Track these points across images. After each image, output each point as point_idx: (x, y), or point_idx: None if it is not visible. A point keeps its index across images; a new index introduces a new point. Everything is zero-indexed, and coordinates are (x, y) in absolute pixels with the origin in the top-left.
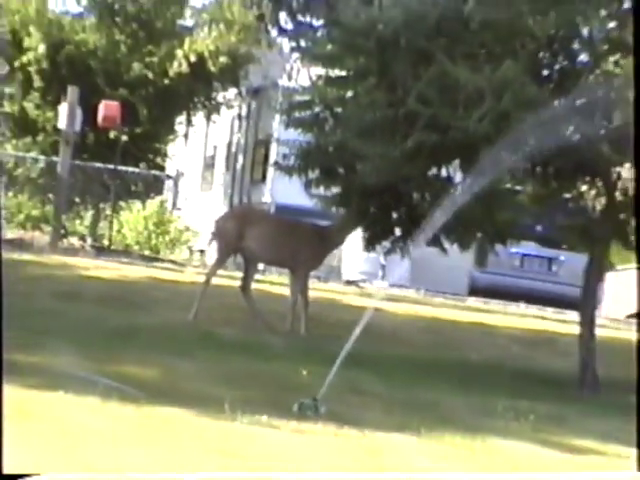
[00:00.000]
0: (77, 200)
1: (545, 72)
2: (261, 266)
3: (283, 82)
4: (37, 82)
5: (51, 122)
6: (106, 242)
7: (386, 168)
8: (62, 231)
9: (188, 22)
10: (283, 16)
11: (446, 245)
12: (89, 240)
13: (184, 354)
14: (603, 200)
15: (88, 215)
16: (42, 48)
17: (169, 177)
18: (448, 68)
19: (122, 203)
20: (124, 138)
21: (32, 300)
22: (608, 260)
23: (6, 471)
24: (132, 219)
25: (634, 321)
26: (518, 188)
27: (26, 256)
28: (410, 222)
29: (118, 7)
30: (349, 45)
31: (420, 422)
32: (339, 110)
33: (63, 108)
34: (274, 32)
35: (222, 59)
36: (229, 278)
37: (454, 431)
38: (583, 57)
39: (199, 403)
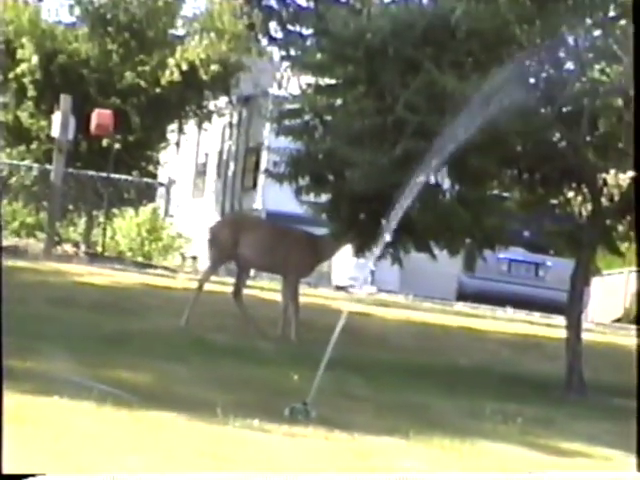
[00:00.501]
0: (71, 207)
1: (532, 80)
2: (252, 272)
3: (273, 90)
4: (31, 91)
5: (45, 131)
6: (99, 249)
7: (375, 175)
8: (56, 238)
9: (179, 31)
10: (273, 25)
11: (435, 251)
12: (83, 247)
13: (177, 359)
14: (589, 206)
15: (81, 222)
16: (35, 59)
17: (161, 184)
18: (436, 76)
19: (115, 210)
20: (117, 146)
21: (27, 306)
22: (594, 265)
23: (6, 471)
24: (125, 226)
25: (619, 325)
26: (506, 194)
27: (20, 263)
28: (400, 229)
29: (110, 17)
30: (338, 54)
31: (409, 425)
32: (328, 118)
33: (56, 117)
34: (264, 41)
35: (213, 68)
36: (221, 284)
37: (443, 434)
38: (569, 65)
39: (192, 407)
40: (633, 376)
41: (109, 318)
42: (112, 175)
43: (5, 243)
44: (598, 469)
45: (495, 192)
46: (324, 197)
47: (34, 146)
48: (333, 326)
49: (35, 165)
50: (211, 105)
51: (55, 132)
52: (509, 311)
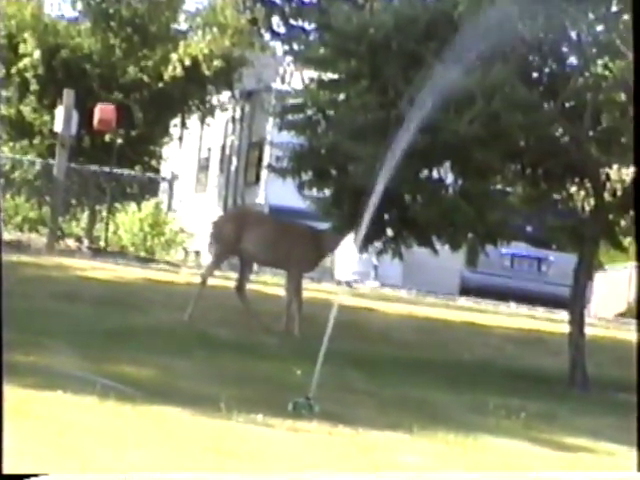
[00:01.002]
0: (73, 202)
1: (535, 75)
2: (255, 266)
3: (276, 85)
4: (33, 86)
5: (47, 125)
6: (102, 243)
7: (378, 170)
8: (59, 233)
9: (182, 26)
10: (276, 20)
11: (437, 246)
12: (85, 242)
13: (180, 354)
14: (592, 201)
15: (84, 217)
16: (37, 54)
17: (164, 179)
18: (439, 71)
19: (118, 205)
20: (119, 141)
21: (29, 301)
22: (597, 260)
23: (6, 471)
24: (128, 221)
25: (623, 320)
26: (508, 189)
27: (23, 258)
28: (402, 223)
29: (113, 11)
30: (341, 49)
31: (413, 420)
32: (331, 113)
33: (59, 111)
34: (267, 36)
35: (216, 62)
36: (224, 279)
37: (447, 429)
38: (572, 60)
39: (195, 402)
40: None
41: (112, 313)
42: (115, 170)
43: (8, 238)
44: (601, 464)
45: (498, 187)
46: (327, 192)
47: (37, 141)
48: (337, 321)
49: (38, 160)
50: (214, 100)
51: (58, 127)
52: (512, 306)
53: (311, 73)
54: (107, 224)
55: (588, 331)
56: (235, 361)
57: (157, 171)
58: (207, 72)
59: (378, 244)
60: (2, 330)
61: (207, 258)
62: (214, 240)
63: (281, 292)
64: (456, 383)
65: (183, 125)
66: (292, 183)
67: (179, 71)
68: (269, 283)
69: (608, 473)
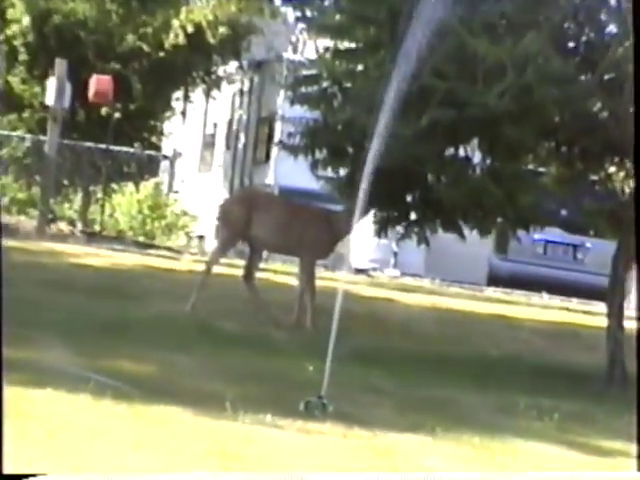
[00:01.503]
0: (66, 182)
1: (571, 44)
2: (264, 253)
3: (288, 55)
4: (23, 55)
5: (38, 98)
6: (97, 227)
7: (399, 147)
8: (50, 216)
9: None
10: None
11: (464, 231)
12: (79, 225)
13: (182, 348)
14: (632, 182)
15: (78, 198)
16: (27, 20)
17: (165, 157)
18: (466, 40)
19: (114, 185)
20: (117, 115)
21: (18, 290)
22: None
23: (6, 471)
24: (125, 203)
25: None
26: (542, 169)
27: (11, 242)
28: (425, 206)
29: None
30: (359, 15)
31: (436, 421)
32: (348, 85)
33: (51, 83)
34: (278, 0)
35: (222, 30)
36: (230, 266)
37: (472, 431)
38: (611, 28)
39: (198, 401)
40: None
41: (108, 303)
42: (111, 147)
43: None
44: None
45: (530, 167)
46: (342, 171)
47: (26, 115)
48: (352, 313)
49: (27, 135)
50: (220, 71)
51: (49, 99)
52: (544, 297)
53: (326, 42)
54: (102, 206)
55: (628, 325)
56: (242, 356)
57: (157, 148)
58: (212, 40)
59: (399, 228)
60: (2, 330)
61: (212, 244)
62: (220, 224)
63: (292, 281)
64: (483, 381)
65: (186, 98)
66: (304, 162)
67: (181, 39)
68: (279, 271)
69: (608, 473)
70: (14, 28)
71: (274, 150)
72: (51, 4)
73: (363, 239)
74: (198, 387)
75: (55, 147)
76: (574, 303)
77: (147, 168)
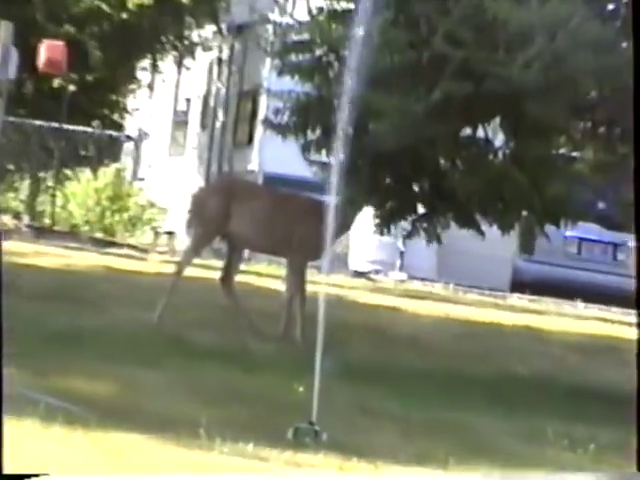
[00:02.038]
0: (11, 167)
1: (610, 6)
2: (246, 253)
3: (275, 17)
4: None
5: None
6: (47, 221)
7: (406, 127)
8: None
9: None
10: None
11: (483, 227)
12: (25, 219)
13: (147, 364)
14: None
15: (24, 187)
16: None
17: (129, 138)
18: (485, 1)
19: (68, 172)
20: (71, 88)
21: None
22: None
23: (6, 471)
24: (80, 192)
25: None
26: (575, 154)
27: None
28: (437, 196)
29: None
30: None
31: (448, 450)
32: (346, 53)
33: None
34: None
35: None
36: (205, 268)
37: (492, 462)
38: None
39: (166, 426)
40: None
41: (60, 311)
42: (65, 126)
43: None
44: None
45: (561, 151)
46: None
47: None
48: (351, 323)
49: None
50: (194, 36)
51: None
52: (579, 305)
53: (319, 1)
54: (54, 196)
55: None
56: (219, 374)
57: (120, 128)
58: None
59: (406, 224)
60: (2, 331)
61: (184, 241)
62: (194, 218)
63: (279, 286)
64: (506, 404)
65: (154, 68)
66: (295, 144)
67: None
68: (263, 274)
69: (608, 473)
70: None
71: (258, 130)
72: None
73: (363, 236)
74: (166, 410)
75: None
76: (613, 312)
77: (107, 151)
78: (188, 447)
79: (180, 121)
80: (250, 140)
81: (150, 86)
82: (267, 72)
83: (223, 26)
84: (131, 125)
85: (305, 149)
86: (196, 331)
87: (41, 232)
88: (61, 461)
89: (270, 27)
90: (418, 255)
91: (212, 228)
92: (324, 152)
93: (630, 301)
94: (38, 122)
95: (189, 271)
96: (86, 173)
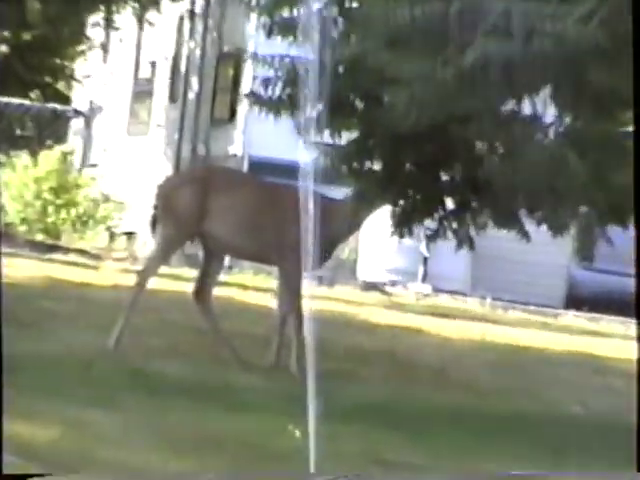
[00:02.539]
0: None
1: None
2: (227, 259)
3: None
4: None
5: None
6: None
7: (431, 98)
8: None
9: None
10: None
11: (529, 226)
12: None
13: (100, 402)
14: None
15: None
16: None
17: (77, 113)
18: None
19: (0, 156)
20: (3, 49)
21: None
22: None
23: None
24: (16, 182)
25: None
26: None
27: None
28: (470, 188)
29: None
30: None
31: None
32: (354, 5)
33: None
34: None
35: None
36: (174, 278)
37: None
38: None
39: None
40: None
41: None
42: None
43: None
44: None
45: (630, 129)
46: (347, 135)
47: None
48: (360, 349)
49: None
50: None
51: None
52: None
53: None
54: None
55: None
56: (192, 415)
57: (66, 100)
58: None
59: (431, 222)
60: (2, 330)
61: (147, 245)
62: (161, 216)
63: (270, 301)
64: (559, 454)
65: (109, 24)
66: (287, 121)
67: None
68: (249, 286)
69: (608, 473)
70: None
71: (242, 104)
72: None
73: (377, 239)
74: (124, 460)
75: None
76: None
77: (50, 130)
78: None
79: (143, 91)
80: (232, 116)
81: (104, 47)
82: (253, 30)
83: None
84: (80, 97)
85: (302, 129)
86: (163, 360)
87: None
88: None
89: None
90: (446, 262)
91: (184, 228)
92: (327, 133)
93: None
94: None
95: (154, 283)
96: (23, 158)
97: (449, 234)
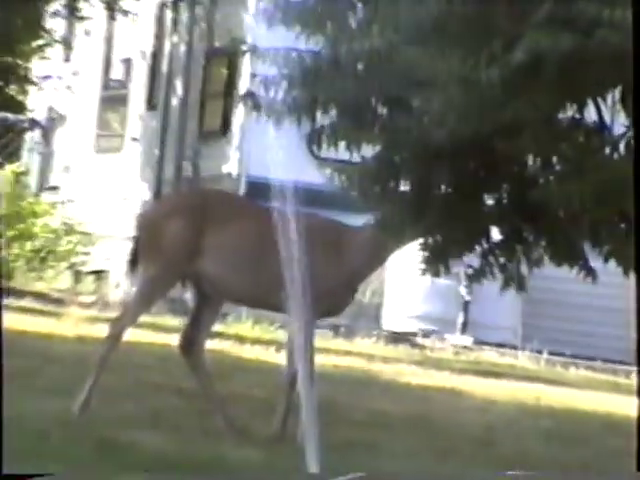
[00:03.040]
0: None
1: None
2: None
3: None
4: None
5: None
6: None
7: (472, 104)
8: None
9: None
10: None
11: (595, 262)
12: None
13: None
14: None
15: None
16: None
17: (34, 124)
18: None
19: None
20: None
21: None
22: None
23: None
24: None
25: None
26: None
27: None
28: (521, 214)
29: None
30: None
31: None
32: None
33: None
34: None
35: None
36: (155, 329)
37: None
38: None
39: None
40: None
41: None
42: None
43: None
44: None
45: None
46: (366, 150)
47: None
48: (383, 416)
49: None
50: None
51: None
52: None
53: None
54: None
55: None
56: None
57: (20, 107)
58: None
59: (472, 258)
60: (2, 330)
61: (124, 287)
62: (144, 252)
63: (274, 357)
64: None
65: (72, 13)
66: (293, 132)
67: None
68: (248, 338)
69: (608, 473)
70: None
71: (238, 111)
72: None
73: (405, 279)
74: None
75: None
76: None
77: (0, 144)
78: None
79: (114, 97)
80: (225, 128)
81: (66, 41)
82: (251, 20)
83: None
84: (37, 103)
85: (312, 140)
86: (141, 430)
87: None
88: None
89: None
90: (492, 308)
91: (173, 267)
92: (342, 146)
93: None
94: None
95: (131, 333)
96: None
97: (495, 272)
